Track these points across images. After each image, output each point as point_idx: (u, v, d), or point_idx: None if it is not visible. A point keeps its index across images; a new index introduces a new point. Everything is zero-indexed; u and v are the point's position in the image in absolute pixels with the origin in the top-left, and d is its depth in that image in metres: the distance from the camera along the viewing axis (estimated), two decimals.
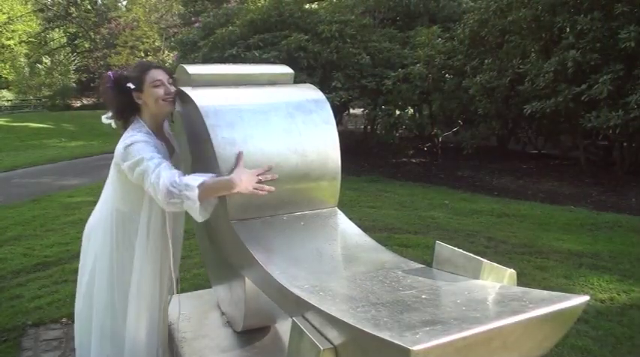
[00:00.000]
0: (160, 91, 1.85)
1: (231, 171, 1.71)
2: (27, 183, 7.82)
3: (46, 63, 26.27)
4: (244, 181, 1.65)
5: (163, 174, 1.67)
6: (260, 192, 1.69)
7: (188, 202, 1.63)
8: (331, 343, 1.14)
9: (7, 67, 25.49)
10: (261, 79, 2.14)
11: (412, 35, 8.99)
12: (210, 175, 1.70)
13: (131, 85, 1.84)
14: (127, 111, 1.90)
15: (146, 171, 1.70)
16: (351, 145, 10.48)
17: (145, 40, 23.92)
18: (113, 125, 1.97)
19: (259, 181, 1.71)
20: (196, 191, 1.62)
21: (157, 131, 1.93)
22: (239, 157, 1.72)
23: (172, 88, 1.89)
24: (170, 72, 1.98)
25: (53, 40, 27.02)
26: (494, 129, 8.27)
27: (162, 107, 1.88)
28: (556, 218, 5.14)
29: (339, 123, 10.54)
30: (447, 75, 8.26)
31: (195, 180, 1.65)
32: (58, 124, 17.34)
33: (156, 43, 24.47)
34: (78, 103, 28.25)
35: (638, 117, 5.31)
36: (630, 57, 5.69)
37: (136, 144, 1.77)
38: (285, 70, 2.25)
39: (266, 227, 1.81)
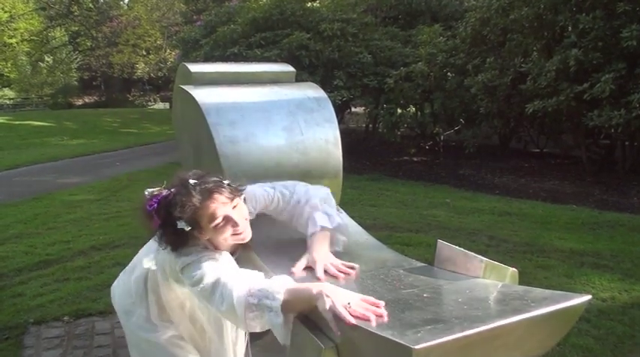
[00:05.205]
0: (228, 231, 1.36)
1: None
2: (28, 181, 7.83)
3: (47, 61, 26.35)
4: (349, 299, 1.10)
5: (237, 285, 1.23)
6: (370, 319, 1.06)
7: (269, 314, 1.19)
8: (333, 342, 1.14)
9: (9, 65, 25.59)
10: (262, 77, 2.15)
11: (414, 34, 9.00)
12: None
13: (185, 228, 1.31)
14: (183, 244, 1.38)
15: (215, 285, 1.26)
16: (353, 143, 10.48)
17: (146, 38, 24.00)
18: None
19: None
20: (279, 299, 1.17)
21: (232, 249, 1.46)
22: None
23: (242, 220, 1.38)
24: (232, 188, 1.38)
25: (55, 38, 27.09)
26: (496, 128, 8.26)
27: (236, 244, 1.41)
28: (558, 217, 5.13)
29: (340, 121, 10.50)
30: (448, 73, 8.25)
31: (279, 285, 1.20)
32: (60, 123, 17.37)
33: (157, 42, 24.54)
34: (80, 102, 28.39)
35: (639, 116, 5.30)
36: (632, 56, 5.67)
37: (200, 263, 1.32)
38: (287, 68, 2.25)
39: (267, 226, 1.81)
